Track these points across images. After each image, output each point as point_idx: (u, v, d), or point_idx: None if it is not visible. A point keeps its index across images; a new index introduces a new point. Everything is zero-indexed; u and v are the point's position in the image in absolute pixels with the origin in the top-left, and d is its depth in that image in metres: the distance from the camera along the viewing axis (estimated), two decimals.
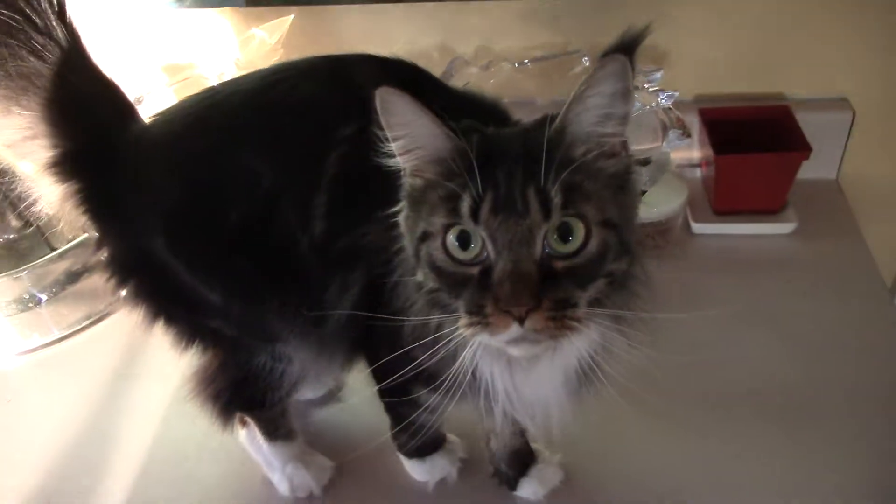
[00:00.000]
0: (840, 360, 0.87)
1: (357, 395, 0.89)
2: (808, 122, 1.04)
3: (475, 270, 0.51)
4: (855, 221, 1.07)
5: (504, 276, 0.49)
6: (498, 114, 0.67)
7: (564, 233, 0.49)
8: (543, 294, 0.48)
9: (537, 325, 0.48)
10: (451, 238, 0.51)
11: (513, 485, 0.77)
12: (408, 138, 0.53)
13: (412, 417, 0.75)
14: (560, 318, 0.49)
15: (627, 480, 0.77)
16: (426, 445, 0.78)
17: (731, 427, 0.81)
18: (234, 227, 0.65)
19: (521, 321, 0.48)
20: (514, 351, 0.52)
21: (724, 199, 1.05)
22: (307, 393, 0.89)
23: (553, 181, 0.49)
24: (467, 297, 0.51)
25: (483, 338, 0.51)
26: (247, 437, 0.81)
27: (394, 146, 0.53)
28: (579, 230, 0.49)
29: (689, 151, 1.13)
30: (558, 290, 0.49)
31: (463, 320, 0.51)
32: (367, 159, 0.55)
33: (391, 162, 0.55)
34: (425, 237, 0.53)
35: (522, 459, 0.77)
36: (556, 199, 0.49)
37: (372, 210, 0.60)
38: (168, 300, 0.71)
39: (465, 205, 0.50)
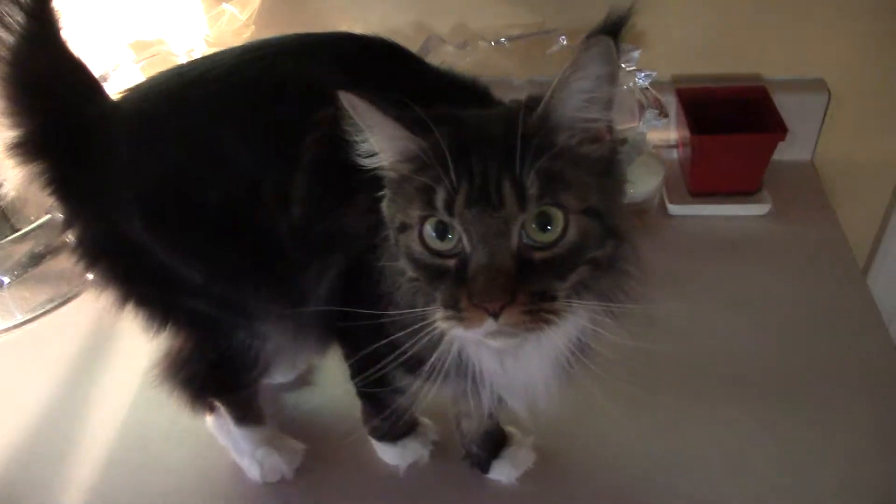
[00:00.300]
0: (814, 340, 0.88)
1: (329, 379, 0.88)
2: (784, 103, 1.03)
3: (452, 263, 0.49)
4: (829, 203, 1.07)
5: (478, 271, 0.47)
6: (478, 92, 0.66)
7: (543, 223, 0.48)
8: (520, 287, 0.47)
9: (512, 320, 0.47)
10: (429, 229, 0.50)
11: (485, 467, 0.76)
12: (375, 139, 0.51)
13: (386, 400, 0.74)
14: (536, 312, 0.47)
15: (601, 463, 0.77)
16: (398, 429, 0.77)
17: (706, 410, 0.81)
18: (214, 206, 0.63)
19: (495, 316, 0.47)
20: (493, 343, 0.51)
21: (700, 180, 1.05)
22: (278, 377, 0.87)
23: (529, 170, 0.47)
24: (443, 290, 0.49)
25: (459, 332, 0.49)
26: (215, 422, 0.80)
27: (363, 146, 0.52)
28: (558, 220, 0.48)
29: (666, 132, 1.12)
30: (535, 283, 0.48)
31: (439, 313, 0.49)
32: (348, 142, 0.53)
33: (365, 161, 0.53)
34: (403, 228, 0.52)
35: (494, 441, 0.76)
36: (533, 189, 0.47)
37: (351, 194, 0.59)
38: (141, 281, 0.69)
39: (440, 197, 0.48)
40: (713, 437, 0.78)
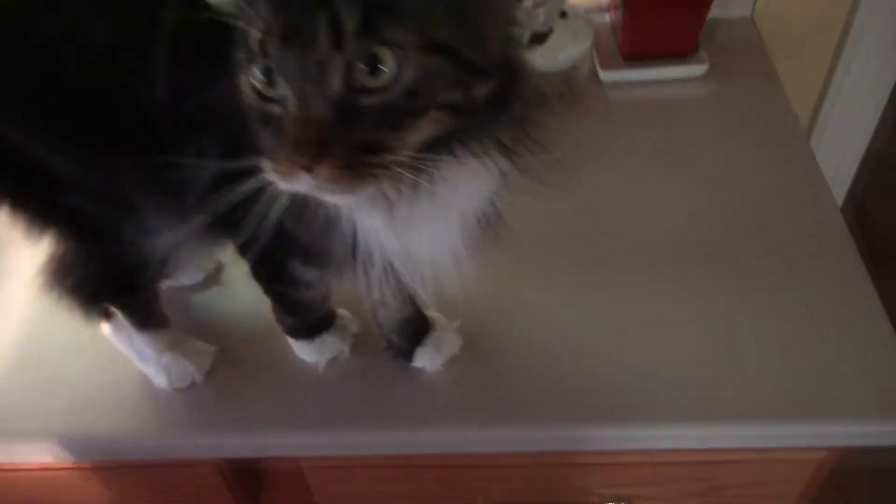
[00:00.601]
0: (756, 204, 0.83)
1: (241, 277, 0.81)
2: None
3: (277, 109, 0.42)
4: (770, 61, 1.01)
5: (289, 120, 0.41)
6: None
7: (372, 63, 0.40)
8: (338, 138, 0.40)
9: (327, 176, 0.40)
10: (256, 72, 0.42)
11: (408, 356, 0.71)
12: None
13: (293, 296, 0.69)
14: (359, 166, 0.40)
15: (530, 344, 0.72)
16: (314, 325, 0.72)
17: (645, 283, 0.76)
18: (74, 87, 0.55)
19: (308, 170, 0.40)
20: (329, 199, 0.45)
21: (632, 42, 0.97)
22: (184, 279, 0.81)
23: (351, 1, 0.39)
24: (267, 140, 0.43)
25: (283, 186, 0.43)
26: (113, 330, 0.73)
27: None
28: (388, 60, 0.40)
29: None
30: (358, 133, 0.40)
31: (265, 164, 0.42)
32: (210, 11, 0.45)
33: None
34: (241, 72, 0.44)
35: (415, 329, 0.71)
36: (350, 23, 0.38)
37: (221, 63, 0.50)
38: (10, 182, 0.62)
39: (253, 37, 0.41)
40: (651, 310, 0.74)
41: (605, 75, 0.98)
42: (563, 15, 0.92)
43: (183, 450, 0.72)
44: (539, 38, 0.89)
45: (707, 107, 0.96)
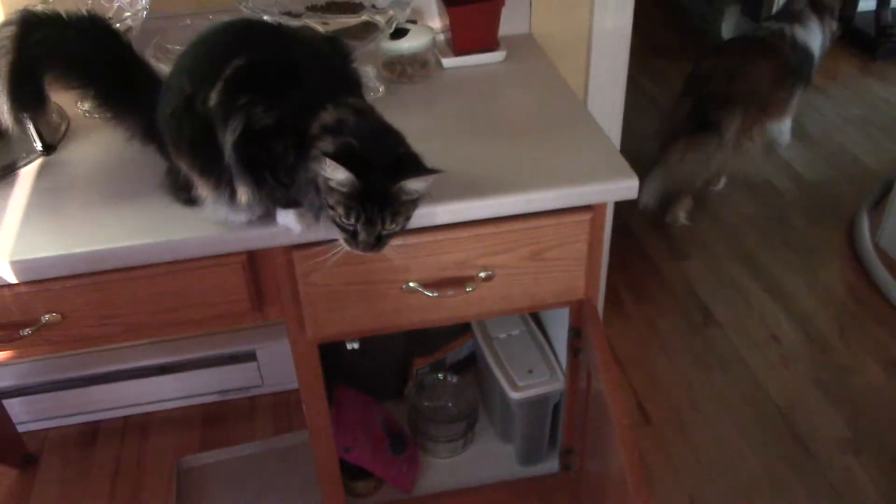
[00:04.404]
0: (543, 141, 1.38)
1: None
2: None
3: (350, 228, 1.05)
4: (547, 55, 1.64)
5: (360, 238, 1.06)
6: (336, 48, 1.14)
7: (392, 226, 1.07)
8: (377, 245, 1.07)
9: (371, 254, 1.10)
10: (342, 213, 1.04)
11: None
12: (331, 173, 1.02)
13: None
14: (383, 246, 1.09)
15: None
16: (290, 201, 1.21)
17: (478, 147, 1.31)
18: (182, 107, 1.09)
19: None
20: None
21: (458, 42, 1.58)
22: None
23: (388, 212, 1.03)
24: (344, 236, 1.08)
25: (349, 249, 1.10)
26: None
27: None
28: (399, 223, 1.06)
29: (436, 20, 1.66)
30: (384, 239, 1.08)
31: (343, 243, 1.09)
32: (251, 81, 1.03)
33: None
34: (330, 197, 1.04)
35: None
36: (388, 219, 1.04)
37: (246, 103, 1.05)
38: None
39: (353, 214, 1.03)
40: (484, 154, 1.29)
41: (446, 62, 1.58)
42: (413, 21, 1.52)
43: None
44: (400, 34, 1.49)
45: (507, 80, 1.56)
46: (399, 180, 1.01)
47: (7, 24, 1.12)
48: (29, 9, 1.15)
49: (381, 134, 1.05)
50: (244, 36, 1.10)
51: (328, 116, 1.02)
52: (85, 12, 1.19)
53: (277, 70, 1.05)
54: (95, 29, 1.19)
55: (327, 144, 1.00)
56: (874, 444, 1.99)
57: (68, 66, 1.17)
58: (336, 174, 0.99)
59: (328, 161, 0.97)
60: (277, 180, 1.07)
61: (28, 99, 1.16)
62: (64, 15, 1.15)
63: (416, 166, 1.03)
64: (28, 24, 1.13)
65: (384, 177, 1.01)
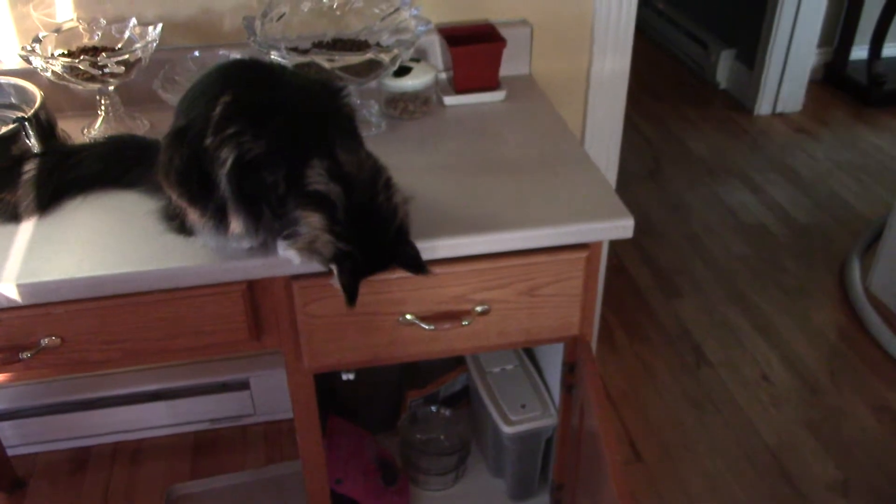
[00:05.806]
0: (540, 179, 1.42)
1: None
2: (506, 35, 1.64)
3: (342, 248, 1.06)
4: (546, 96, 1.68)
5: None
6: (330, 92, 1.17)
7: None
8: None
9: None
10: (341, 245, 1.06)
11: None
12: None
13: None
14: None
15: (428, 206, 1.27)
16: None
17: (476, 180, 1.35)
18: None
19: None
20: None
21: (460, 80, 1.62)
22: None
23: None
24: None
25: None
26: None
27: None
28: None
29: (439, 59, 1.70)
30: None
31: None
32: (239, 114, 1.07)
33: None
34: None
35: None
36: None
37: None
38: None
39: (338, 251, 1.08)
40: (483, 188, 1.32)
41: (448, 100, 1.61)
42: (416, 60, 1.56)
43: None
44: (403, 72, 1.52)
45: (508, 120, 1.60)
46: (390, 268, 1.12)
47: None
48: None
49: (373, 216, 1.09)
50: (233, 74, 1.15)
51: (315, 174, 1.06)
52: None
53: (263, 103, 1.09)
54: (118, 152, 1.36)
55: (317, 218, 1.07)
56: (864, 487, 1.99)
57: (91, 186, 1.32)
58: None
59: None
60: (272, 210, 1.09)
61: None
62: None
63: (407, 260, 1.12)
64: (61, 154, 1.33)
65: (380, 269, 1.13)
